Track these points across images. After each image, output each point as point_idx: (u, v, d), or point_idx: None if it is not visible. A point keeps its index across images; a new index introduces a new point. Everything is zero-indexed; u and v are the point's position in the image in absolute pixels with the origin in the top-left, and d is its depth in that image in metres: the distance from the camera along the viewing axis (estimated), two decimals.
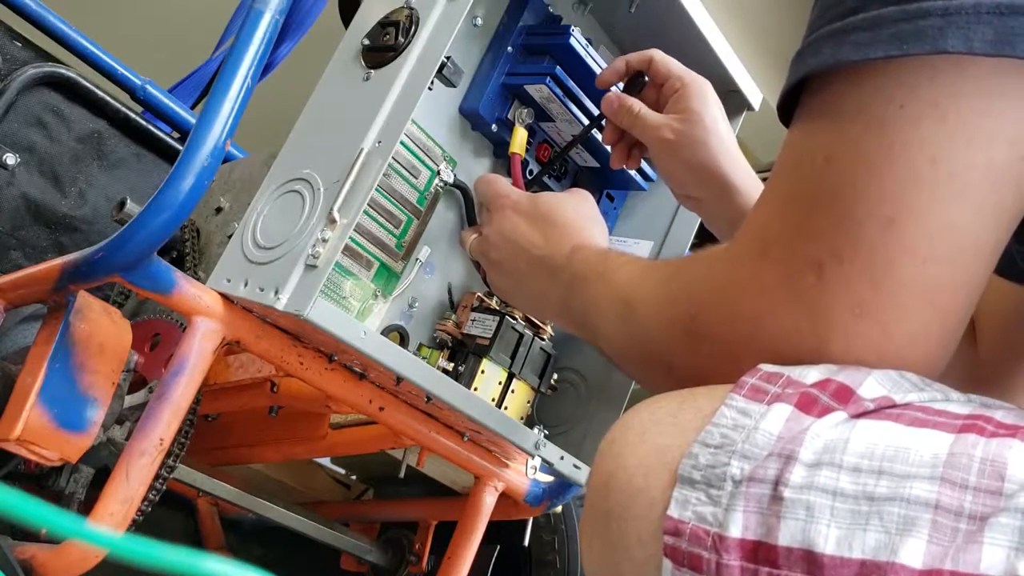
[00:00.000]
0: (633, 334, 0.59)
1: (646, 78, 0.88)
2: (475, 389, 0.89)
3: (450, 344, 0.93)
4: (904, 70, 0.44)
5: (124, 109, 1.25)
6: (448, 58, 0.83)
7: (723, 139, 0.84)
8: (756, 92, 1.05)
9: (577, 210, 0.84)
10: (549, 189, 0.98)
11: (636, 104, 0.86)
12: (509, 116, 0.93)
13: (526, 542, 1.18)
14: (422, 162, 0.90)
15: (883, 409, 0.41)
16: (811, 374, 0.43)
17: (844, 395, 0.41)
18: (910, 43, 0.43)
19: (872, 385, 0.42)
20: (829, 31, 0.46)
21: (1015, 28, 0.41)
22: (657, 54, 0.87)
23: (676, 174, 0.86)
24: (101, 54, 1.32)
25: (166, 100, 1.33)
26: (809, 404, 0.41)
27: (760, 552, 0.38)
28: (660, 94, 0.88)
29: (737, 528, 0.39)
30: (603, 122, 0.92)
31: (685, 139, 0.83)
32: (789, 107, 0.51)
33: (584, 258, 0.74)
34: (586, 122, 0.94)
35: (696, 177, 0.84)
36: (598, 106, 0.94)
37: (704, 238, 0.93)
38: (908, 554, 0.35)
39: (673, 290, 0.55)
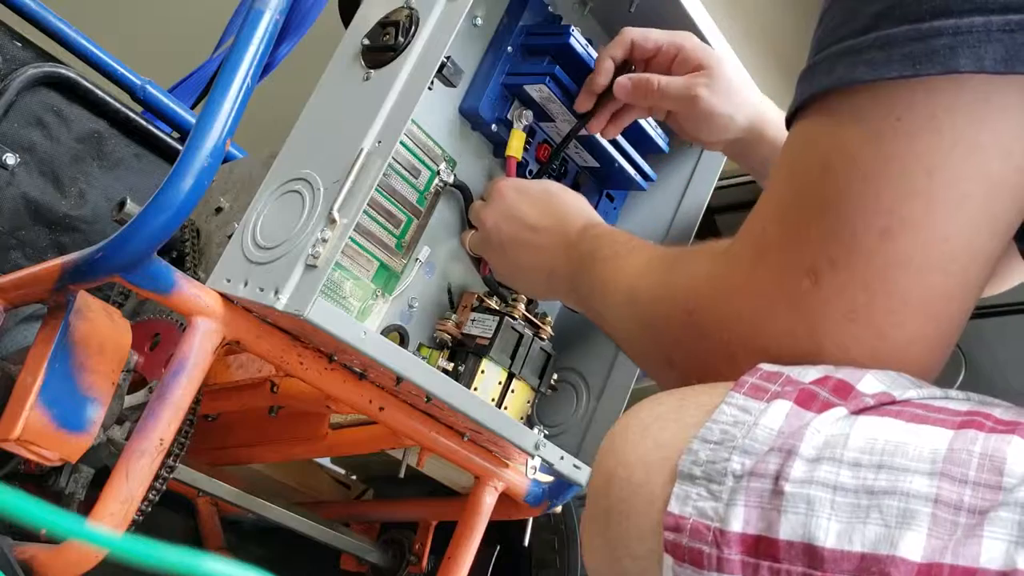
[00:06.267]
0: (635, 325, 0.60)
1: (632, 67, 0.89)
2: (475, 389, 0.89)
3: (450, 344, 0.93)
4: (902, 84, 0.44)
5: (124, 109, 1.25)
6: (448, 58, 0.83)
7: (742, 78, 0.88)
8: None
9: (579, 196, 0.86)
10: None
11: (653, 77, 0.87)
12: (509, 116, 0.93)
13: (526, 542, 1.18)
14: (422, 162, 0.90)
15: (883, 405, 0.41)
16: (810, 373, 0.43)
17: (844, 391, 0.42)
18: (922, 63, 0.43)
19: (871, 382, 0.42)
20: (841, 49, 0.47)
21: None
22: (634, 33, 0.88)
23: (715, 123, 0.88)
24: (101, 54, 1.31)
25: (166, 100, 1.33)
26: (809, 400, 0.41)
27: (761, 546, 0.38)
28: (653, 64, 0.89)
29: (738, 522, 0.39)
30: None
31: (718, 89, 0.86)
32: (792, 116, 0.51)
33: (597, 235, 0.75)
34: None
35: (735, 119, 0.87)
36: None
37: (704, 238, 0.93)
38: (908, 547, 0.35)
39: (672, 285, 0.55)
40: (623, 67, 0.89)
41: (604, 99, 0.91)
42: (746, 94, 0.87)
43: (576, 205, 0.84)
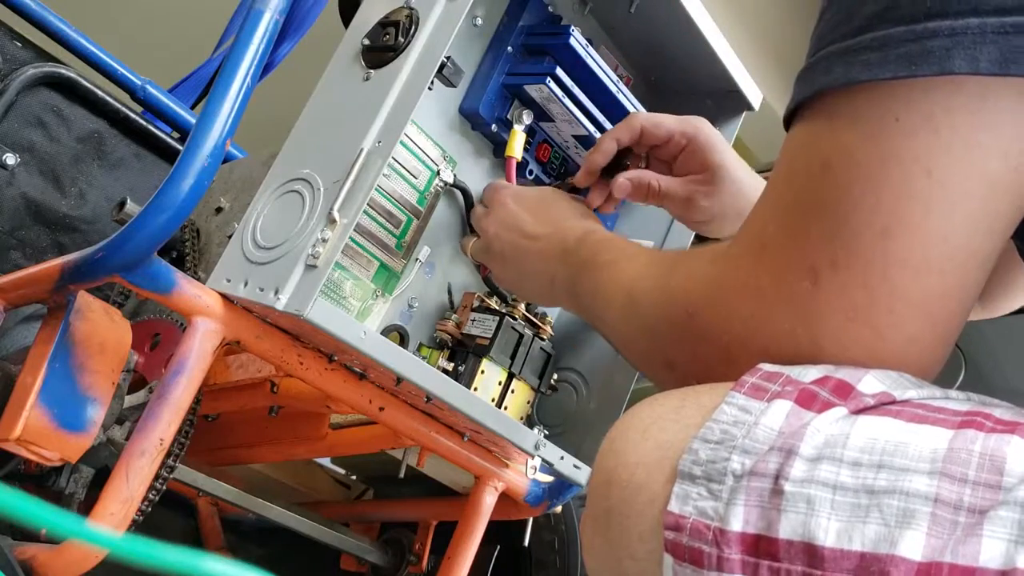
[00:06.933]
0: (635, 328, 0.60)
1: (631, 152, 0.88)
2: (475, 389, 0.89)
3: (450, 344, 0.93)
4: (900, 85, 0.44)
5: (124, 109, 1.25)
6: (448, 58, 0.83)
7: (745, 177, 0.86)
8: (756, 92, 1.05)
9: (579, 202, 0.86)
10: None
11: (653, 179, 0.86)
12: (509, 116, 0.93)
13: (526, 542, 1.18)
14: (422, 162, 0.90)
15: (883, 405, 0.41)
16: (810, 373, 0.44)
17: (844, 391, 0.42)
18: (918, 64, 0.43)
19: (871, 382, 0.42)
20: (839, 49, 0.47)
21: (1021, 47, 0.42)
22: (644, 121, 0.86)
23: (711, 226, 0.87)
24: (101, 54, 1.31)
25: (166, 100, 1.33)
26: (809, 400, 0.41)
27: (761, 545, 0.38)
28: (662, 152, 0.88)
29: (738, 522, 0.39)
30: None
31: (719, 197, 0.85)
32: (791, 116, 0.51)
33: (596, 241, 0.74)
34: (586, 122, 0.94)
35: (732, 220, 0.86)
36: (598, 106, 0.94)
37: (704, 239, 0.93)
38: (908, 546, 0.35)
39: (672, 287, 0.55)
40: (626, 150, 0.88)
41: (604, 175, 0.89)
42: (746, 193, 0.85)
43: (575, 211, 0.83)
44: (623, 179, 0.87)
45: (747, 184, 0.86)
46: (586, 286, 0.71)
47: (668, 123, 0.86)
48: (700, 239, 0.97)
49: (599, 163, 0.88)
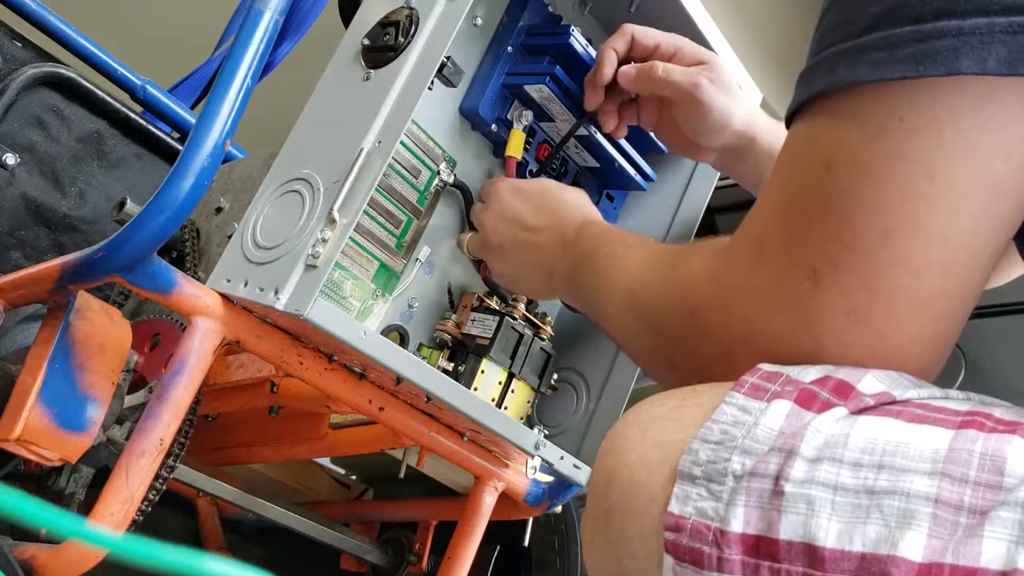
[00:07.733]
0: (636, 324, 0.60)
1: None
2: (475, 389, 0.89)
3: (450, 344, 0.93)
4: (905, 85, 0.44)
5: (124, 109, 1.25)
6: (448, 58, 0.83)
7: (737, 81, 0.88)
8: (756, 92, 1.05)
9: (576, 192, 0.86)
10: None
11: (657, 63, 0.86)
12: (509, 116, 0.93)
13: (526, 542, 1.18)
14: (422, 162, 0.90)
15: (883, 405, 0.41)
16: (810, 373, 0.43)
17: (844, 391, 0.42)
18: (926, 64, 0.43)
19: (871, 382, 0.42)
20: (842, 49, 0.46)
21: None
22: (634, 28, 0.88)
23: (712, 120, 0.86)
24: (101, 54, 1.32)
25: (166, 100, 1.33)
26: (809, 400, 0.41)
27: (761, 546, 0.38)
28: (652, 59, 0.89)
29: (738, 523, 0.39)
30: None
31: (718, 82, 0.86)
32: (793, 115, 0.51)
33: (595, 233, 0.74)
34: None
35: (731, 118, 0.86)
36: None
37: (704, 234, 0.93)
38: (908, 547, 0.35)
39: (672, 284, 0.55)
40: (623, 62, 0.89)
41: (609, 95, 0.90)
42: (742, 95, 0.87)
43: (574, 203, 0.83)
44: (627, 66, 0.87)
45: (738, 82, 0.88)
46: (586, 279, 0.71)
47: (656, 33, 0.88)
48: (699, 238, 0.97)
49: (607, 74, 0.88)
